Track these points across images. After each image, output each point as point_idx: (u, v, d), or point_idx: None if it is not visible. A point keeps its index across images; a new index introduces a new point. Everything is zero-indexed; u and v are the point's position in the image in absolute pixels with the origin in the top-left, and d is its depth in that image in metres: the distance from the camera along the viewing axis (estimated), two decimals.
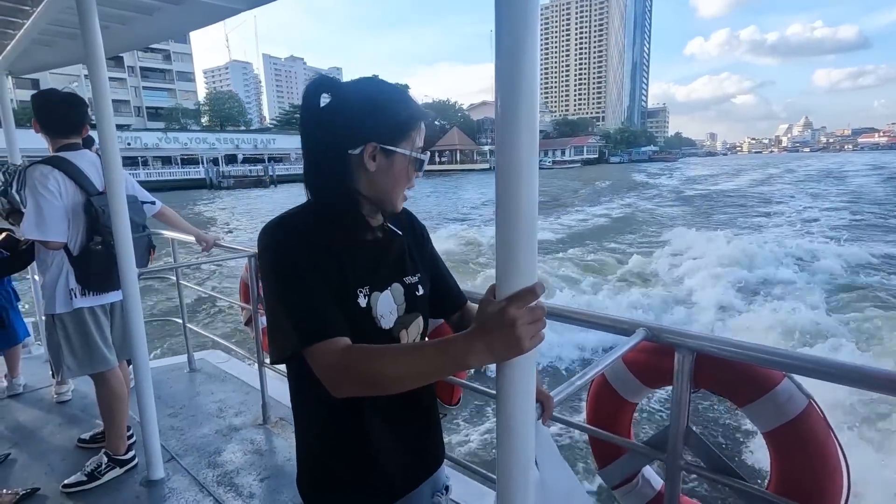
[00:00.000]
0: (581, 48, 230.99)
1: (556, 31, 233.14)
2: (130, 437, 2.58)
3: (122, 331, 2.37)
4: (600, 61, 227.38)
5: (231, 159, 59.02)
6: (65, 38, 3.04)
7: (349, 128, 0.89)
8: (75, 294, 2.21)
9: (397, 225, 1.03)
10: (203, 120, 70.60)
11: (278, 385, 3.24)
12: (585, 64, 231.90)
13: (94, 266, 2.17)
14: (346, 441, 0.95)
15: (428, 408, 1.07)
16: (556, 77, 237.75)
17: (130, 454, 2.44)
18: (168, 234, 3.22)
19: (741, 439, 4.84)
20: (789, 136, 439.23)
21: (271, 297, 0.86)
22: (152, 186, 42.44)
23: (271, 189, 47.77)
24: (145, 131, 55.17)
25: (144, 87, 66.02)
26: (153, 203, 2.55)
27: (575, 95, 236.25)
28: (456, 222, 20.62)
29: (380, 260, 0.96)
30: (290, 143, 62.69)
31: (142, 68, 65.75)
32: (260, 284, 2.88)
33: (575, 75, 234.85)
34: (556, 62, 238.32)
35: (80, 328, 2.24)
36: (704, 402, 5.39)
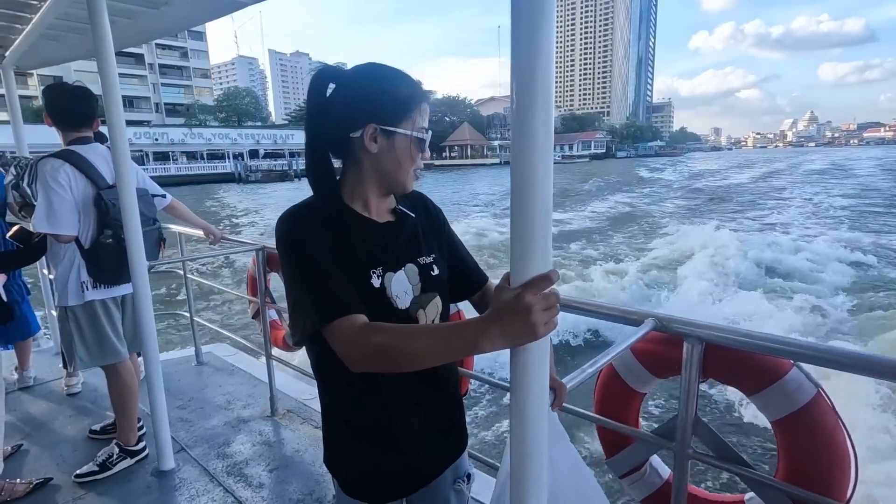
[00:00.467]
0: (586, 42, 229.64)
1: (560, 26, 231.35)
2: (141, 428, 2.61)
3: (132, 323, 2.39)
4: (605, 56, 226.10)
5: (252, 154, 60.60)
6: (72, 32, 3.05)
7: (349, 111, 0.92)
8: (87, 287, 2.23)
9: (410, 207, 1.05)
10: (220, 116, 71.78)
11: (286, 378, 3.27)
12: (590, 58, 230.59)
13: (105, 259, 2.19)
14: (369, 421, 0.97)
15: (453, 390, 1.07)
16: (560, 72, 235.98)
17: (141, 445, 2.47)
18: (176, 227, 3.25)
19: (749, 428, 4.84)
20: (794, 130, 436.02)
21: (290, 282, 0.89)
22: (182, 180, 44.13)
23: (296, 182, 49.69)
24: (172, 127, 56.27)
25: (162, 84, 66.44)
26: (164, 196, 2.56)
27: (580, 90, 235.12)
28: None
29: (392, 241, 0.98)
30: None
31: (160, 65, 66.27)
32: (267, 278, 2.92)
33: (580, 70, 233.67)
34: (560, 57, 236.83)
35: (92, 320, 2.27)
36: (713, 391, 5.40)
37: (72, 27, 2.94)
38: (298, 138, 61.23)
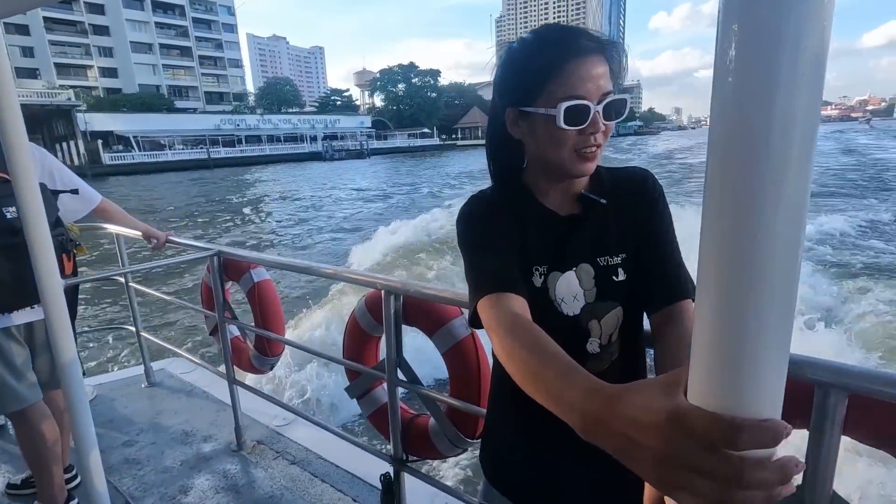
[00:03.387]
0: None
1: (534, 11, 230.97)
2: (74, 478, 2.12)
3: (47, 358, 1.87)
4: None
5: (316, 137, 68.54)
6: None
7: (497, 95, 0.84)
8: None
9: (609, 190, 0.85)
10: (262, 103, 79.31)
11: (253, 402, 2.78)
12: None
13: None
14: (514, 420, 0.90)
15: None
16: None
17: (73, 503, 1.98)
18: (113, 228, 2.70)
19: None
20: None
21: (464, 262, 0.83)
22: (276, 159, 54.89)
23: (368, 160, 57.33)
24: (248, 115, 63.52)
25: (202, 74, 72.42)
26: (75, 191, 1.95)
27: None
28: None
29: (568, 236, 0.84)
30: (351, 122, 75.22)
31: (199, 56, 72.01)
32: (226, 288, 2.43)
33: None
34: None
35: None
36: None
37: None
38: (344, 123, 73.81)
